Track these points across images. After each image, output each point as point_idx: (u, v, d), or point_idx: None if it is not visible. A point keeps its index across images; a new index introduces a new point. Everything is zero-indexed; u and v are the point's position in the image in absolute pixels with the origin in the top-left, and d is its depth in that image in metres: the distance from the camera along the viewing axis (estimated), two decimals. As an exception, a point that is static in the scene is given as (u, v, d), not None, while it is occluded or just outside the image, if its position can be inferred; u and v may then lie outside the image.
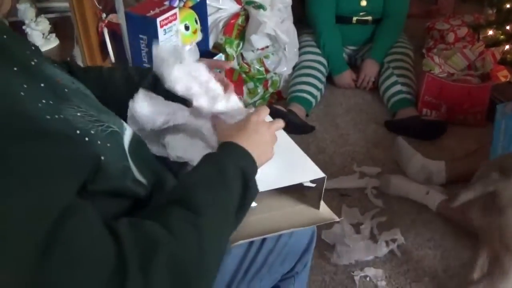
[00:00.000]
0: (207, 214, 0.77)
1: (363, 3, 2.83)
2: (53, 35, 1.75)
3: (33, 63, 0.80)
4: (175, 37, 1.96)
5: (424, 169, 2.22)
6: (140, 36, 1.92)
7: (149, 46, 1.93)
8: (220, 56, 2.27)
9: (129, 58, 2.00)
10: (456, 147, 2.42)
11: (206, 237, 0.75)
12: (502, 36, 2.52)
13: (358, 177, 2.30)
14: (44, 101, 0.73)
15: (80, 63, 1.80)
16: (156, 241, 0.70)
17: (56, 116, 0.72)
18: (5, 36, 0.80)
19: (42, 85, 0.76)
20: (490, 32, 2.57)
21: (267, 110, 1.02)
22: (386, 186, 2.20)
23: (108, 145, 0.80)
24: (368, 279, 1.86)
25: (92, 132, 0.78)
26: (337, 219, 1.09)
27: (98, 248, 0.65)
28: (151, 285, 0.66)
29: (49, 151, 0.65)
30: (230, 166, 0.85)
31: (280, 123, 1.02)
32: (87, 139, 0.75)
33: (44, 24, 1.73)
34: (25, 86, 0.72)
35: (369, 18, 2.87)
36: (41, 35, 1.72)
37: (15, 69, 0.74)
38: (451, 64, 2.60)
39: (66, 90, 0.82)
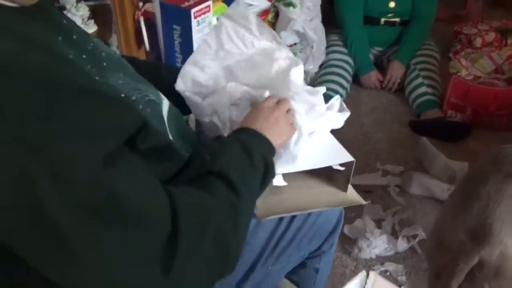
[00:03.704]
0: (242, 194, 0.85)
1: (392, 5, 2.86)
2: (92, 21, 1.80)
3: (75, 36, 0.85)
4: (207, 29, 2.00)
5: (447, 168, 2.23)
6: (174, 26, 1.97)
7: (182, 36, 1.98)
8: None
9: (161, 48, 2.05)
10: (480, 150, 2.43)
11: (240, 215, 0.83)
12: (530, 41, 2.53)
13: (381, 175, 2.32)
14: (89, 67, 0.79)
15: (115, 49, 1.85)
16: (208, 212, 0.78)
17: (103, 79, 0.78)
18: (53, 9, 0.85)
19: (84, 56, 0.81)
20: (518, 37, 2.58)
21: (273, 98, 1.05)
22: (408, 184, 2.22)
23: (148, 110, 0.87)
24: (388, 273, 1.88)
25: (133, 98, 0.84)
26: (364, 202, 1.12)
27: (158, 197, 0.71)
28: (201, 248, 0.73)
29: (103, 106, 0.70)
30: (255, 150, 0.92)
31: (287, 103, 1.05)
32: (130, 101, 0.82)
33: (83, 10, 1.79)
34: (72, 52, 0.77)
35: (397, 19, 2.89)
36: (80, 20, 1.78)
37: (60, 38, 0.79)
38: (478, 67, 2.61)
39: (105, 63, 0.87)
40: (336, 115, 1.11)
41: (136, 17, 1.83)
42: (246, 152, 0.91)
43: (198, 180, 0.85)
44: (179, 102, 1.09)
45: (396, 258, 1.93)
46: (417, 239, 1.96)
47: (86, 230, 0.65)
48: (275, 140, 0.97)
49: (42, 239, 0.64)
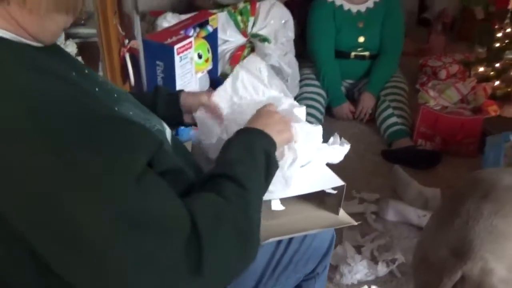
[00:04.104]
0: (249, 187, 0.92)
1: (361, 39, 2.99)
2: (79, 58, 1.86)
3: (86, 71, 0.92)
4: (189, 65, 2.08)
5: (420, 195, 2.33)
6: (157, 62, 2.04)
7: (165, 72, 2.05)
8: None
9: (144, 83, 2.11)
10: (450, 176, 2.54)
11: (251, 205, 0.91)
12: (492, 73, 2.67)
13: (357, 202, 2.40)
14: (104, 98, 0.85)
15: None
16: (221, 207, 0.85)
17: (118, 110, 0.85)
18: (62, 48, 0.92)
19: (97, 89, 0.88)
20: (481, 69, 2.73)
21: (273, 105, 1.15)
22: (384, 211, 2.30)
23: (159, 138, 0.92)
24: (370, 297, 1.94)
25: (147, 126, 0.91)
26: (355, 223, 1.20)
27: (179, 212, 0.78)
28: (222, 243, 0.81)
29: (131, 128, 0.79)
30: (257, 146, 0.99)
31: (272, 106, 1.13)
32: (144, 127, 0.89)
33: (72, 47, 1.85)
34: (88, 85, 0.84)
35: (366, 53, 3.03)
36: (68, 58, 1.82)
37: (74, 73, 0.85)
38: (445, 97, 2.75)
39: (115, 95, 0.94)
40: (335, 148, 1.19)
41: (121, 54, 1.89)
42: (247, 148, 0.98)
43: (206, 182, 0.92)
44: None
45: (377, 282, 1.99)
46: (396, 263, 2.03)
47: (122, 240, 0.71)
48: (275, 137, 1.04)
49: (76, 249, 0.71)
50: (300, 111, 1.19)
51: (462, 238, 1.35)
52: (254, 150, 0.98)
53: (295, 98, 2.91)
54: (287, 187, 1.10)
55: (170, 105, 1.25)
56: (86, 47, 1.89)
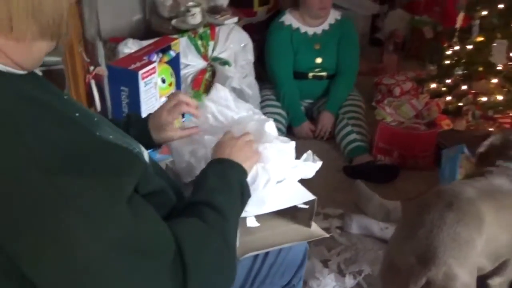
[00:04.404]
0: (228, 216, 0.98)
1: (318, 60, 3.09)
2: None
3: (66, 97, 0.95)
4: (154, 89, 2.11)
5: (382, 208, 2.41)
6: (122, 88, 2.06)
7: (130, 97, 2.07)
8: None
9: (109, 109, 2.13)
10: (409, 189, 2.63)
11: (230, 232, 0.97)
12: (444, 89, 2.80)
13: (322, 218, 2.46)
14: (85, 123, 0.88)
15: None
16: (204, 234, 0.91)
17: (100, 135, 0.88)
18: (40, 75, 0.95)
19: (77, 114, 0.90)
20: (433, 85, 2.85)
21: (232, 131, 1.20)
22: (348, 225, 2.37)
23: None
24: (339, 309, 1.99)
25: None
26: (327, 235, 1.27)
27: (165, 237, 0.81)
28: (203, 266, 0.86)
29: (118, 152, 0.82)
30: (232, 176, 1.06)
31: (248, 135, 1.18)
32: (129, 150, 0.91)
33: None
34: (69, 111, 0.87)
35: (324, 74, 3.13)
36: (32, 86, 1.82)
37: (55, 100, 0.88)
38: (401, 113, 2.85)
39: (96, 119, 0.96)
40: (308, 164, 1.25)
41: (87, 80, 1.91)
42: (223, 179, 1.04)
43: (188, 209, 0.96)
44: None
45: (345, 294, 2.05)
46: (362, 275, 2.09)
47: (113, 264, 0.74)
48: (244, 164, 1.11)
49: (69, 272, 0.72)
50: (270, 126, 1.25)
51: (427, 245, 1.43)
52: (230, 180, 1.04)
53: (257, 119, 2.97)
54: (263, 206, 1.15)
55: (140, 128, 1.28)
56: (51, 75, 1.89)
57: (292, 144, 1.26)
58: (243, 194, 1.06)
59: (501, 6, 2.48)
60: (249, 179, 1.12)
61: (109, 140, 0.88)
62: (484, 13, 2.56)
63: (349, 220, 2.38)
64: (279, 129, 2.90)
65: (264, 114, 2.92)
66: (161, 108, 1.28)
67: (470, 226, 1.50)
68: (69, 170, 0.74)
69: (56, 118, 0.78)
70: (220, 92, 1.35)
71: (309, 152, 1.33)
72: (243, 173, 1.09)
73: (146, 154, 1.05)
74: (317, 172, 2.76)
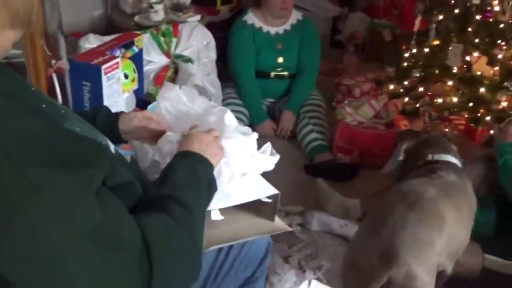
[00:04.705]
0: (195, 211, 0.99)
1: (280, 60, 3.13)
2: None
3: (33, 88, 0.94)
4: (116, 84, 2.10)
5: (341, 205, 2.46)
6: (84, 82, 2.04)
7: (92, 92, 2.05)
8: (154, 105, 2.42)
9: (70, 103, 2.10)
10: (368, 187, 2.69)
11: (197, 227, 0.99)
12: (401, 90, 2.87)
13: (283, 215, 2.49)
14: (52, 115, 0.88)
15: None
16: (171, 228, 0.92)
17: (67, 127, 0.88)
18: (6, 66, 0.94)
19: (44, 106, 0.90)
20: (391, 87, 2.92)
21: (198, 126, 1.21)
22: (309, 222, 2.41)
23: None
24: (299, 304, 2.02)
25: None
26: (290, 229, 1.30)
27: (132, 230, 0.81)
28: (170, 259, 0.86)
29: (87, 144, 0.82)
30: (200, 171, 1.07)
31: (214, 131, 1.20)
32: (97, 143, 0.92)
33: (-3, 68, 1.81)
34: (36, 103, 0.87)
35: (286, 73, 3.17)
36: (-8, 79, 1.79)
37: (21, 91, 0.88)
38: (361, 113, 2.91)
39: (62, 111, 0.96)
40: (268, 158, 1.27)
41: (48, 74, 1.89)
42: (192, 173, 1.05)
43: (155, 203, 0.96)
44: None
45: (305, 290, 2.08)
46: (322, 270, 2.13)
47: (80, 254, 0.74)
48: (211, 159, 1.12)
49: (42, 267, 0.72)
50: (229, 117, 1.27)
51: (389, 245, 1.47)
52: (198, 175, 1.05)
53: (219, 117, 2.98)
54: (228, 200, 1.17)
55: (109, 125, 1.28)
56: (12, 67, 1.86)
57: (254, 135, 1.28)
58: (211, 190, 1.08)
59: (456, 11, 2.56)
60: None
61: (77, 132, 0.88)
62: (441, 17, 2.64)
63: (309, 217, 2.42)
64: (241, 128, 2.93)
65: (226, 112, 2.97)
66: (133, 115, 1.28)
67: (431, 227, 1.55)
68: (37, 161, 0.73)
69: (23, 109, 0.78)
70: (171, 89, 1.36)
71: (268, 144, 1.35)
72: (211, 168, 1.11)
73: (112, 147, 1.05)
74: (279, 170, 2.78)
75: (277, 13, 3.06)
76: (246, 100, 3.07)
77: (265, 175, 2.78)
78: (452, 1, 2.64)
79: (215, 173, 1.15)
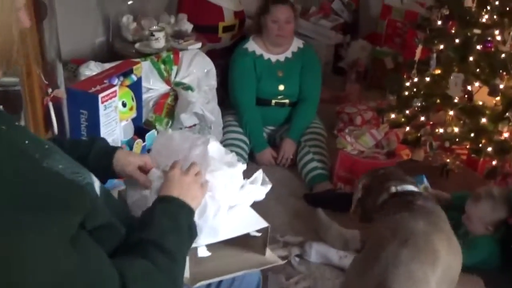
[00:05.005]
0: (175, 256, 0.97)
1: (281, 88, 3.12)
2: (0, 107, 1.82)
3: (17, 123, 0.93)
4: (114, 113, 2.09)
5: (340, 236, 2.42)
6: (81, 111, 2.03)
7: (89, 120, 2.04)
8: (153, 133, 2.41)
9: (67, 132, 2.09)
10: (368, 218, 2.65)
11: (178, 275, 0.97)
12: (403, 119, 2.85)
13: (281, 246, 2.45)
14: (34, 154, 0.86)
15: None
16: (152, 276, 0.90)
17: (49, 166, 0.86)
18: None
19: (27, 141, 0.89)
20: (393, 116, 2.90)
21: (179, 162, 1.18)
22: (308, 253, 2.37)
23: (89, 192, 0.93)
24: None
25: (76, 182, 0.91)
26: (282, 262, 1.27)
27: (109, 276, 0.77)
28: None
29: (64, 188, 0.78)
30: (181, 217, 1.05)
31: (195, 166, 1.17)
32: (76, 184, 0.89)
33: (-8, 97, 1.81)
34: (19, 140, 0.85)
35: (286, 101, 3.15)
36: (-13, 108, 1.79)
37: (4, 127, 0.86)
38: (361, 142, 2.90)
39: (47, 146, 0.94)
40: (258, 188, 1.25)
41: (45, 103, 1.88)
42: (172, 219, 1.03)
43: (136, 248, 0.94)
44: None
45: (302, 324, 2.04)
46: (320, 304, 2.09)
47: None
48: (191, 203, 1.10)
49: None
50: (214, 146, 1.24)
51: (381, 283, 1.43)
52: (179, 222, 1.04)
53: (219, 145, 2.97)
54: (215, 236, 1.14)
55: (103, 159, 1.26)
56: (8, 96, 1.86)
57: (240, 167, 1.26)
58: (191, 236, 1.07)
59: (457, 40, 2.55)
60: (198, 210, 1.12)
61: (57, 171, 0.86)
62: (441, 47, 2.63)
63: (308, 248, 2.38)
64: (240, 155, 2.91)
65: (226, 140, 2.97)
66: (129, 161, 1.27)
67: (425, 264, 1.52)
68: (10, 203, 0.71)
69: (3, 147, 0.76)
70: (163, 135, 1.36)
71: (260, 171, 1.33)
72: (191, 214, 1.10)
73: (97, 183, 1.03)
74: (279, 198, 2.79)
75: (274, 40, 3.07)
76: (247, 128, 3.06)
77: (265, 204, 2.76)
78: (453, 31, 2.63)
79: (200, 208, 1.13)
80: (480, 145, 2.48)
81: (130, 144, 2.27)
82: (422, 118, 2.77)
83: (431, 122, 2.76)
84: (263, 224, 1.26)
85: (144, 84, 2.64)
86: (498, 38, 2.48)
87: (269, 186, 1.31)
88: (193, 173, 1.15)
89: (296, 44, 3.19)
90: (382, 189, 1.88)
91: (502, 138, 2.43)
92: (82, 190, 0.86)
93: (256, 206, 2.68)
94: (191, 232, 1.07)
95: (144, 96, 2.65)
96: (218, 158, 1.22)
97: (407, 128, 2.85)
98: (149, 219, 1.02)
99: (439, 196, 2.39)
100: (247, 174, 2.92)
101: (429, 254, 1.53)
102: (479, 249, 2.11)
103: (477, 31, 2.50)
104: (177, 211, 1.06)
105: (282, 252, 2.40)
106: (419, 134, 2.80)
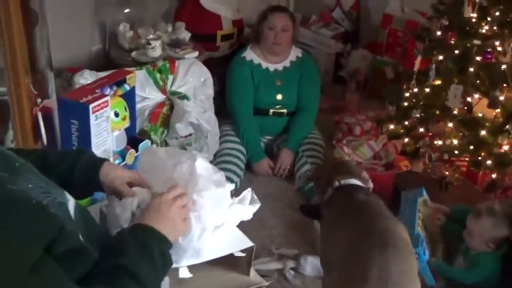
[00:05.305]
0: (147, 286, 0.95)
1: (279, 97, 3.09)
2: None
3: None
4: (105, 123, 2.05)
5: (337, 250, 2.38)
6: (72, 121, 1.99)
7: (79, 130, 2.01)
8: (147, 143, 2.37)
9: (58, 142, 2.06)
10: (365, 230, 2.61)
11: None
12: (402, 130, 2.81)
13: (276, 258, 2.41)
14: (1, 173, 0.82)
15: (11, 145, 1.85)
16: None
17: (14, 187, 0.82)
18: None
19: None
20: (392, 126, 2.86)
21: (175, 189, 1.14)
22: (303, 266, 2.33)
23: (60, 213, 0.90)
24: None
25: (44, 202, 0.87)
26: (266, 283, 1.22)
27: None
28: None
29: (24, 216, 0.74)
30: (155, 248, 1.01)
31: (183, 198, 1.13)
32: (41, 206, 0.85)
33: (-20, 107, 1.79)
34: None
35: (284, 110, 3.12)
36: (-26, 118, 1.77)
37: None
38: (359, 154, 2.86)
39: (17, 164, 0.91)
40: (246, 207, 1.21)
41: (34, 113, 1.85)
42: (145, 247, 0.99)
43: (107, 275, 0.90)
44: (70, 187, 1.13)
45: None
46: (314, 320, 2.04)
47: None
48: (170, 236, 1.06)
49: None
50: (201, 163, 1.20)
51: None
52: (153, 252, 1.01)
53: (215, 155, 2.93)
54: (198, 257, 1.10)
55: (90, 170, 1.22)
56: (-2, 106, 1.84)
57: (229, 186, 1.22)
58: (165, 266, 1.04)
59: (456, 51, 2.51)
60: None
61: (24, 191, 0.82)
62: (441, 57, 2.59)
63: (303, 261, 2.34)
64: (237, 165, 2.88)
65: (223, 149, 2.94)
66: (117, 175, 1.23)
67: (409, 258, 1.61)
68: None
69: None
70: (151, 150, 1.32)
71: (249, 190, 1.29)
72: (167, 245, 1.06)
73: (71, 202, 0.99)
74: (274, 211, 2.75)
75: (270, 48, 3.05)
76: (244, 138, 3.02)
77: (261, 214, 2.72)
78: (452, 42, 2.60)
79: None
80: (480, 157, 2.43)
81: (122, 154, 2.23)
82: (421, 130, 2.73)
83: (430, 134, 2.72)
84: (248, 243, 1.22)
85: (139, 93, 2.61)
86: (499, 49, 2.44)
87: (257, 206, 1.27)
88: (179, 205, 1.11)
89: (295, 53, 3.16)
90: (327, 182, 1.96)
91: (502, 151, 2.39)
92: (47, 215, 0.82)
93: (252, 217, 2.67)
94: (165, 260, 1.03)
95: (140, 105, 2.63)
96: (206, 176, 1.18)
97: (406, 139, 2.81)
98: (122, 245, 0.99)
99: (438, 209, 2.35)
100: (243, 184, 2.88)
101: (407, 248, 1.63)
102: (481, 267, 2.07)
103: (477, 42, 2.46)
104: (151, 241, 1.02)
105: (277, 265, 2.37)
106: (418, 146, 2.76)
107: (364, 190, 1.92)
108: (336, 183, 1.93)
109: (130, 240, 1.01)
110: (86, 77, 2.52)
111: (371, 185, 2.05)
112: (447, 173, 2.65)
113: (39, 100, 1.87)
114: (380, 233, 1.64)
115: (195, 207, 1.11)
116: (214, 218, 1.15)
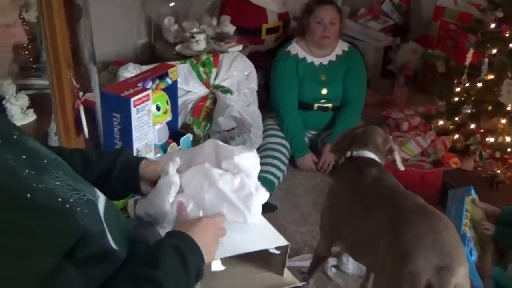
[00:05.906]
0: None
1: (324, 91, 3.03)
2: (31, 110, 1.83)
3: (15, 136, 0.89)
4: (147, 117, 2.06)
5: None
6: (114, 114, 2.01)
7: (121, 124, 2.02)
8: (188, 136, 2.37)
9: (101, 135, 2.08)
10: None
11: None
12: (451, 126, 2.72)
13: (318, 256, 2.37)
14: (27, 170, 0.82)
15: (54, 138, 1.88)
16: None
17: (40, 186, 0.81)
18: None
19: (24, 156, 0.85)
20: (441, 122, 2.77)
21: (222, 217, 1.12)
22: (345, 264, 2.28)
23: (86, 211, 0.89)
24: None
25: (71, 200, 0.87)
26: (300, 284, 1.19)
27: None
28: None
29: (36, 223, 0.74)
30: (191, 261, 0.98)
31: (223, 220, 1.11)
32: (67, 206, 0.84)
33: (23, 100, 1.82)
34: (10, 156, 0.81)
35: (330, 105, 3.06)
36: (19, 110, 1.80)
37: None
38: (406, 150, 2.78)
39: (45, 161, 0.90)
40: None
41: (76, 106, 1.87)
42: (182, 262, 0.96)
43: (141, 283, 0.88)
44: (109, 188, 1.12)
45: None
46: (355, 320, 2.00)
47: None
48: (206, 254, 1.02)
49: None
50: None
51: (443, 254, 1.42)
52: (188, 265, 0.97)
53: (258, 149, 2.91)
54: (232, 250, 1.08)
55: (127, 171, 1.21)
56: (39, 99, 1.86)
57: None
58: (197, 279, 1.00)
59: (511, 45, 2.40)
60: None
61: (50, 190, 0.81)
62: (494, 51, 2.49)
63: (345, 259, 2.29)
64: (281, 160, 2.84)
65: (267, 144, 2.91)
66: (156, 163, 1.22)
67: (452, 226, 1.55)
68: None
69: None
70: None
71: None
72: (202, 262, 1.02)
73: (101, 200, 0.98)
74: (317, 206, 2.70)
75: (318, 42, 2.99)
76: (288, 132, 2.98)
77: (303, 210, 2.68)
78: (507, 35, 2.48)
79: None
80: (534, 156, 2.33)
81: (164, 147, 2.24)
82: (472, 126, 2.64)
83: (481, 130, 2.62)
84: (283, 242, 1.18)
85: (183, 86, 2.62)
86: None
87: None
88: (220, 227, 1.09)
89: (341, 47, 3.10)
90: (341, 152, 1.94)
91: (558, 149, 2.28)
92: (69, 220, 0.80)
93: (295, 212, 2.64)
94: (198, 277, 1.00)
95: (183, 99, 2.63)
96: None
97: (456, 136, 2.71)
98: (158, 254, 0.96)
99: (487, 209, 2.25)
100: (287, 179, 2.84)
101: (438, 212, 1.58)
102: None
103: (533, 34, 2.35)
104: (189, 254, 0.99)
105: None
106: (468, 143, 2.66)
107: (375, 164, 1.87)
108: (348, 153, 1.90)
109: (166, 247, 0.98)
110: (130, 71, 2.54)
111: (397, 157, 2.03)
112: (498, 171, 2.54)
113: (81, 94, 1.89)
114: (414, 205, 1.64)
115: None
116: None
